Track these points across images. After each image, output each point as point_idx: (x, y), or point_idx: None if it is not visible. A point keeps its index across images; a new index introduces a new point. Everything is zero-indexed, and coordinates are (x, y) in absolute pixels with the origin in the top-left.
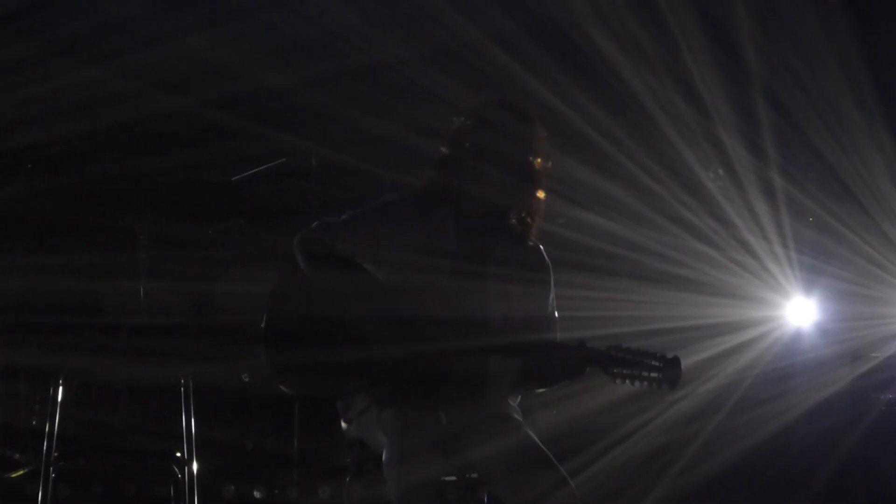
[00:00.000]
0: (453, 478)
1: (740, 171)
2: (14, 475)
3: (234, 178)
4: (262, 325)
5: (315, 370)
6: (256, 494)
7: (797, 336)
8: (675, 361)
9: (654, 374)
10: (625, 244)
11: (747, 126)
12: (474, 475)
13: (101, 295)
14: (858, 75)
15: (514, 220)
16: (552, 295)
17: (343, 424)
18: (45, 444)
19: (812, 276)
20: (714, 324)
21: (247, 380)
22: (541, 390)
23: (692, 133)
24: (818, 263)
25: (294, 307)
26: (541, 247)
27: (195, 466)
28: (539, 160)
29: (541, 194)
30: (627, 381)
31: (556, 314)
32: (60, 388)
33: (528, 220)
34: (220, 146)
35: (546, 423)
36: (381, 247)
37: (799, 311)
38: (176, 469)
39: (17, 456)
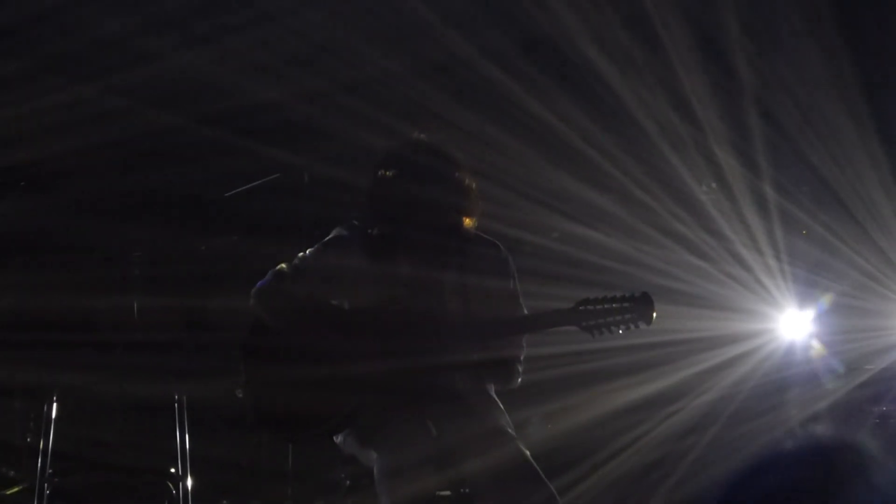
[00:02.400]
0: (447, 492)
1: (733, 184)
2: (9, 492)
3: (227, 195)
4: (241, 382)
5: (299, 408)
6: None
7: (791, 349)
8: (645, 296)
9: (627, 315)
10: (618, 257)
11: (740, 139)
12: (467, 490)
13: (95, 311)
14: (851, 88)
15: (456, 225)
16: (514, 283)
17: (337, 439)
18: (40, 461)
19: (806, 289)
20: (708, 337)
21: (241, 395)
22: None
23: (685, 146)
24: (811, 276)
25: (268, 356)
26: (496, 242)
27: (190, 482)
28: (465, 184)
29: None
30: (605, 331)
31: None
32: (55, 405)
33: (470, 219)
34: (213, 162)
35: (540, 436)
36: (338, 281)
37: (793, 324)
38: (171, 485)
39: (11, 473)
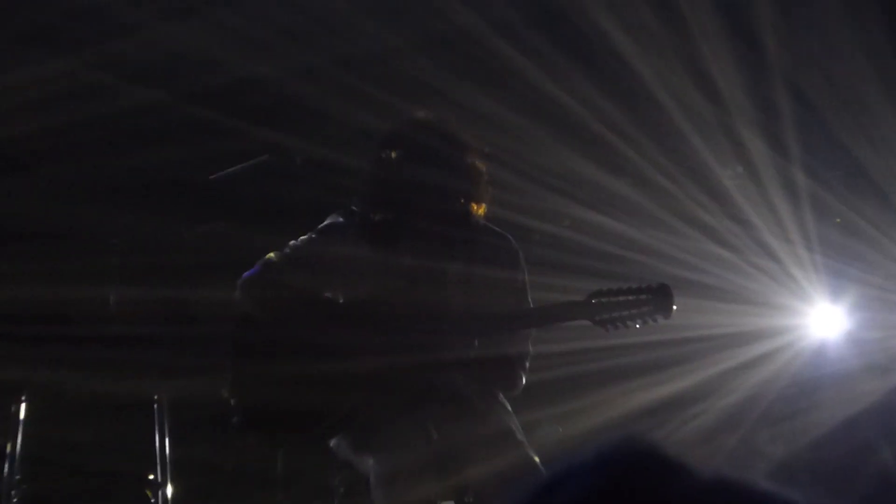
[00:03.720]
0: (450, 501)
1: (761, 168)
2: None
3: (212, 177)
4: (227, 380)
5: (289, 409)
6: None
7: (823, 346)
8: (664, 287)
9: (644, 308)
10: (634, 247)
11: (768, 118)
12: (470, 499)
13: (69, 303)
14: (889, 63)
15: (464, 213)
16: (523, 278)
17: (331, 443)
18: (7, 465)
19: (839, 282)
20: (733, 333)
21: (226, 395)
22: None
23: (708, 127)
24: (845, 268)
25: (256, 353)
26: (507, 234)
27: (170, 490)
28: (474, 168)
29: (484, 183)
30: (620, 325)
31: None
32: (23, 405)
33: (477, 208)
34: (198, 142)
35: (550, 440)
36: (333, 272)
37: (825, 320)
38: (149, 493)
39: None
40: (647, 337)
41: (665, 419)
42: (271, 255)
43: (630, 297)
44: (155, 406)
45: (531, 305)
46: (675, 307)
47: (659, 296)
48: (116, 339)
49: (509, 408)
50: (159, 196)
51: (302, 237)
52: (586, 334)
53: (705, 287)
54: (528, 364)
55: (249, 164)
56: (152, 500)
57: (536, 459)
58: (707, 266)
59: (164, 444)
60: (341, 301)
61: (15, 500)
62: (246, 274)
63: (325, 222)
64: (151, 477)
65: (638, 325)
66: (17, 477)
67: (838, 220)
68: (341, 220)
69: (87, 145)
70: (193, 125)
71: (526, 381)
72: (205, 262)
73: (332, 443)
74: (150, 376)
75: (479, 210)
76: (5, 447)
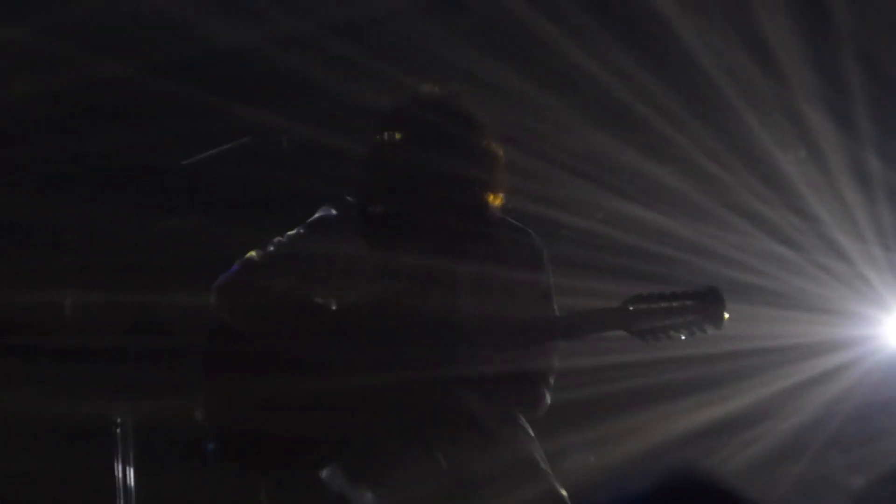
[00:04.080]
0: None
1: (827, 153)
2: None
3: (185, 163)
4: (200, 400)
5: (273, 434)
6: None
7: None
8: (713, 292)
9: (691, 317)
10: (680, 245)
11: (835, 95)
12: None
13: (17, 309)
14: None
15: (478, 205)
16: (547, 280)
17: (323, 474)
18: None
19: None
20: (795, 345)
21: (200, 417)
22: None
23: (766, 104)
24: None
25: (234, 368)
26: (527, 229)
27: None
28: (490, 152)
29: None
30: (662, 337)
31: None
32: None
33: (493, 198)
34: (168, 122)
35: (581, 470)
36: (324, 274)
37: None
38: None
39: None
40: (694, 350)
41: (716, 446)
42: (252, 253)
43: (674, 304)
44: (117, 430)
45: (557, 313)
46: (726, 315)
47: (708, 302)
48: (72, 352)
49: (531, 432)
50: (122, 184)
51: (289, 233)
52: (622, 346)
53: (763, 291)
54: (552, 382)
55: (228, 148)
56: None
57: (563, 493)
58: (765, 267)
59: (128, 475)
60: (334, 307)
61: None
62: (223, 276)
63: (316, 215)
64: None
65: (683, 337)
66: None
67: None
68: (334, 212)
69: (37, 125)
70: (162, 102)
71: (551, 401)
72: (176, 261)
73: (324, 474)
74: (112, 395)
75: (496, 201)
76: None
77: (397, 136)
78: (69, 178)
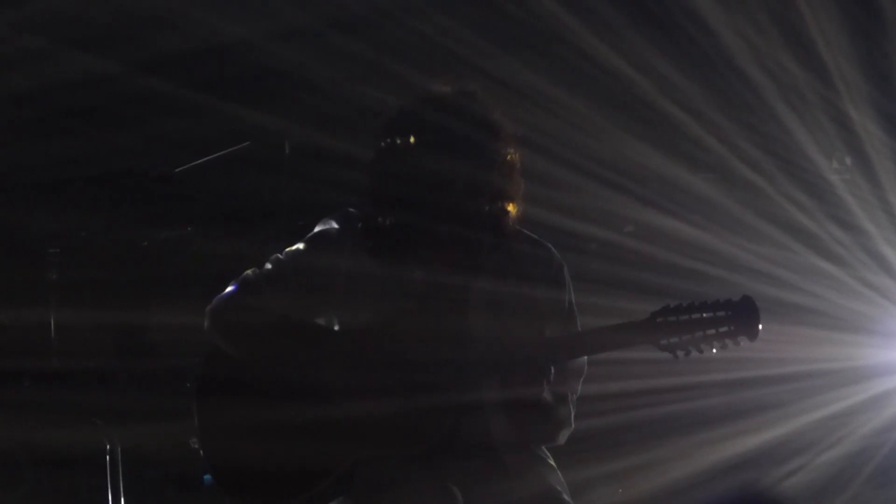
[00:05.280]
0: None
1: (874, 160)
2: None
3: (178, 170)
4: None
5: (273, 466)
6: None
7: None
8: (747, 301)
9: (723, 329)
10: (716, 260)
11: (884, 97)
12: None
13: None
14: None
15: (493, 216)
16: (568, 298)
17: None
18: None
19: None
20: (840, 369)
21: (196, 445)
22: None
23: (809, 107)
24: None
25: (230, 395)
26: (545, 242)
27: None
28: (508, 162)
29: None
30: (692, 350)
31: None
32: None
33: (510, 207)
34: (161, 126)
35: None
36: (326, 292)
37: None
38: None
39: None
40: (729, 374)
41: (752, 478)
42: (249, 272)
43: (704, 315)
44: (107, 458)
45: (576, 323)
46: (761, 326)
47: (741, 312)
48: (57, 375)
49: (552, 462)
50: (110, 193)
51: (287, 249)
52: (651, 370)
53: (804, 311)
54: (573, 408)
55: (225, 154)
56: None
57: None
58: (806, 284)
59: None
60: (337, 329)
61: None
62: (217, 298)
63: (316, 229)
64: None
65: (715, 350)
66: None
67: None
68: (336, 225)
69: (16, 128)
70: (154, 103)
71: (575, 428)
72: (168, 278)
73: None
74: (100, 422)
75: (512, 211)
76: None
77: (406, 140)
78: (51, 187)
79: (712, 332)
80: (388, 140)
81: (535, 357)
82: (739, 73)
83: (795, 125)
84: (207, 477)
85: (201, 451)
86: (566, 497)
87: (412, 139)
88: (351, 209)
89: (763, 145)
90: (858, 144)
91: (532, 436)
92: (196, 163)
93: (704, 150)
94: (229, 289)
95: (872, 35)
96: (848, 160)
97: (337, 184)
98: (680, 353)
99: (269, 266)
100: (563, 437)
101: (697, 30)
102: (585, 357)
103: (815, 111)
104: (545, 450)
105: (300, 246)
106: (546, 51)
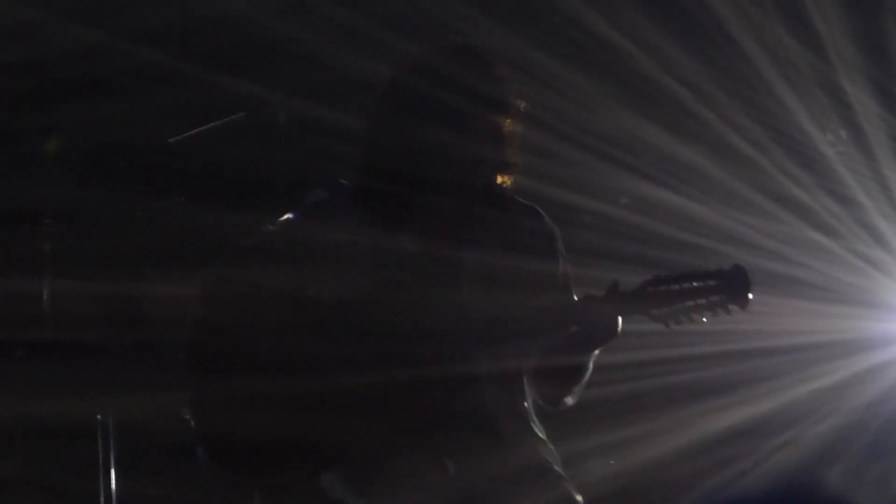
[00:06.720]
0: None
1: (870, 133)
2: None
3: (171, 141)
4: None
5: (266, 439)
6: None
7: None
8: (737, 269)
9: (714, 297)
10: (710, 232)
11: (879, 70)
12: None
13: None
14: None
15: (487, 185)
16: (562, 267)
17: (321, 482)
18: None
19: None
20: (833, 341)
21: (188, 417)
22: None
23: (803, 79)
24: None
25: (222, 367)
26: (538, 209)
27: None
28: (505, 132)
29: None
30: (683, 319)
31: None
32: None
33: (504, 177)
34: (153, 96)
35: (599, 476)
36: (318, 263)
37: None
38: None
39: None
40: (723, 346)
41: (746, 449)
42: (241, 242)
43: (695, 284)
44: (99, 431)
45: (571, 293)
46: (751, 295)
47: (731, 280)
48: (50, 346)
49: (543, 435)
50: (103, 164)
51: (279, 219)
52: (643, 342)
53: (798, 283)
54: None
55: (219, 125)
56: None
57: (580, 499)
58: (801, 256)
59: (110, 479)
60: (329, 300)
61: None
62: (210, 267)
63: (307, 199)
64: None
65: (705, 319)
66: None
67: None
68: (328, 195)
69: (9, 100)
70: (146, 73)
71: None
72: (161, 249)
73: (323, 480)
74: (92, 393)
75: (506, 181)
76: None
77: (399, 110)
78: (45, 159)
79: (703, 300)
80: (382, 111)
81: (528, 327)
82: (734, 45)
83: (790, 98)
84: (200, 451)
85: (192, 423)
86: (558, 468)
87: (405, 109)
88: (343, 180)
89: (758, 118)
90: (853, 117)
91: (529, 404)
92: (190, 133)
93: (699, 122)
94: (221, 259)
95: (868, 7)
96: (843, 133)
97: (331, 155)
98: (671, 322)
99: (259, 237)
100: (576, 394)
101: (692, 2)
102: None
103: (810, 84)
104: (538, 422)
105: (291, 216)
106: (541, 22)
